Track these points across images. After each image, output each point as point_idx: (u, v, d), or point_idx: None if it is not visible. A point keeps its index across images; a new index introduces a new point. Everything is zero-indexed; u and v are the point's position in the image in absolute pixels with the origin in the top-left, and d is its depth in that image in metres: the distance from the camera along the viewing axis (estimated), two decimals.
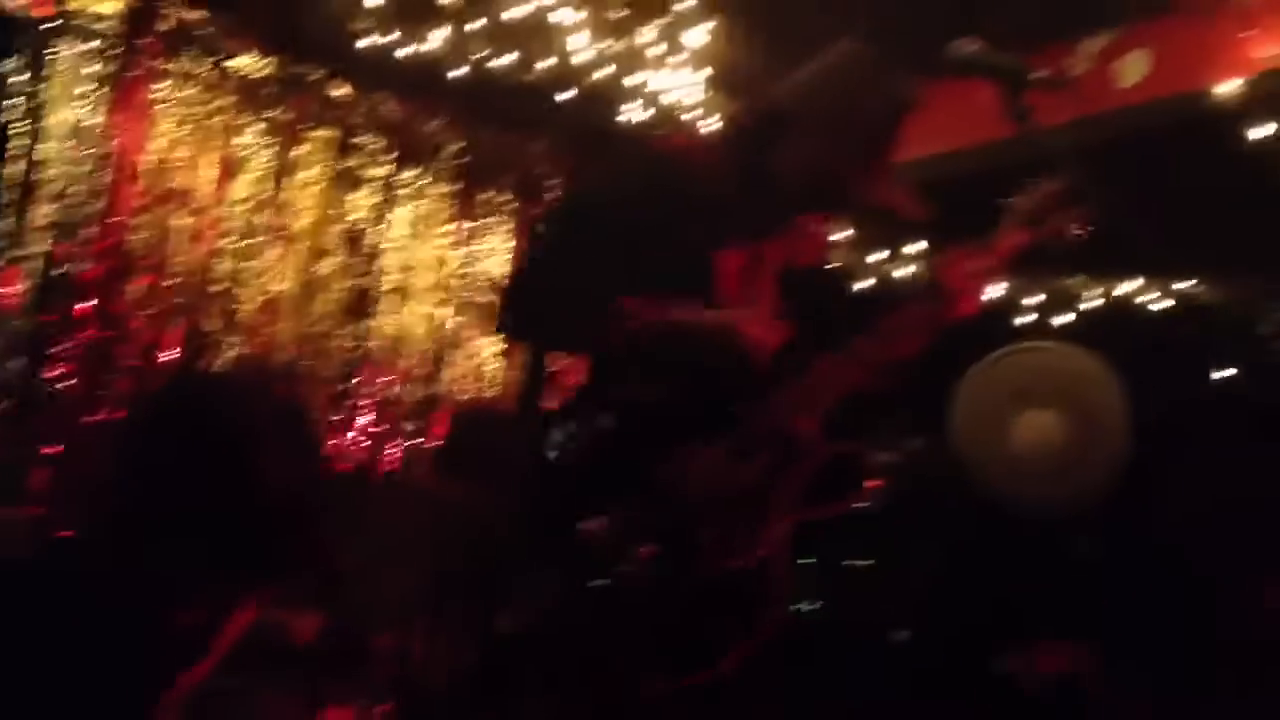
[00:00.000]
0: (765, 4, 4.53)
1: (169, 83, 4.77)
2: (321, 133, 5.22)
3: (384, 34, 4.79)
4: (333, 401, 5.23)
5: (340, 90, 5.20)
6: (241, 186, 4.98)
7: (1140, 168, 4.29)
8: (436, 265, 5.58)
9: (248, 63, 4.97)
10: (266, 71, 5.01)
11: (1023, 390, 4.84)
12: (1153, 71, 4.26)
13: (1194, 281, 5.42)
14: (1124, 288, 5.66)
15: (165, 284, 4.71)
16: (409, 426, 5.40)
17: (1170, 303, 5.57)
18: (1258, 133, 4.14)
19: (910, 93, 2.41)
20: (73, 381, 4.35)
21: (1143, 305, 5.69)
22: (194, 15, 4.79)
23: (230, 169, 4.94)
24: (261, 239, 5.03)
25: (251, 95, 5.01)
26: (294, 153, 5.13)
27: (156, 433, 2.23)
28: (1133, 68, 4.30)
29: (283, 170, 5.09)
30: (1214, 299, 5.46)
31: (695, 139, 2.46)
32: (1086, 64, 4.39)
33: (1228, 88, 4.06)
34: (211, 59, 4.89)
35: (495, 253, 5.78)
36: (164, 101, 4.76)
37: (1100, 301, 5.73)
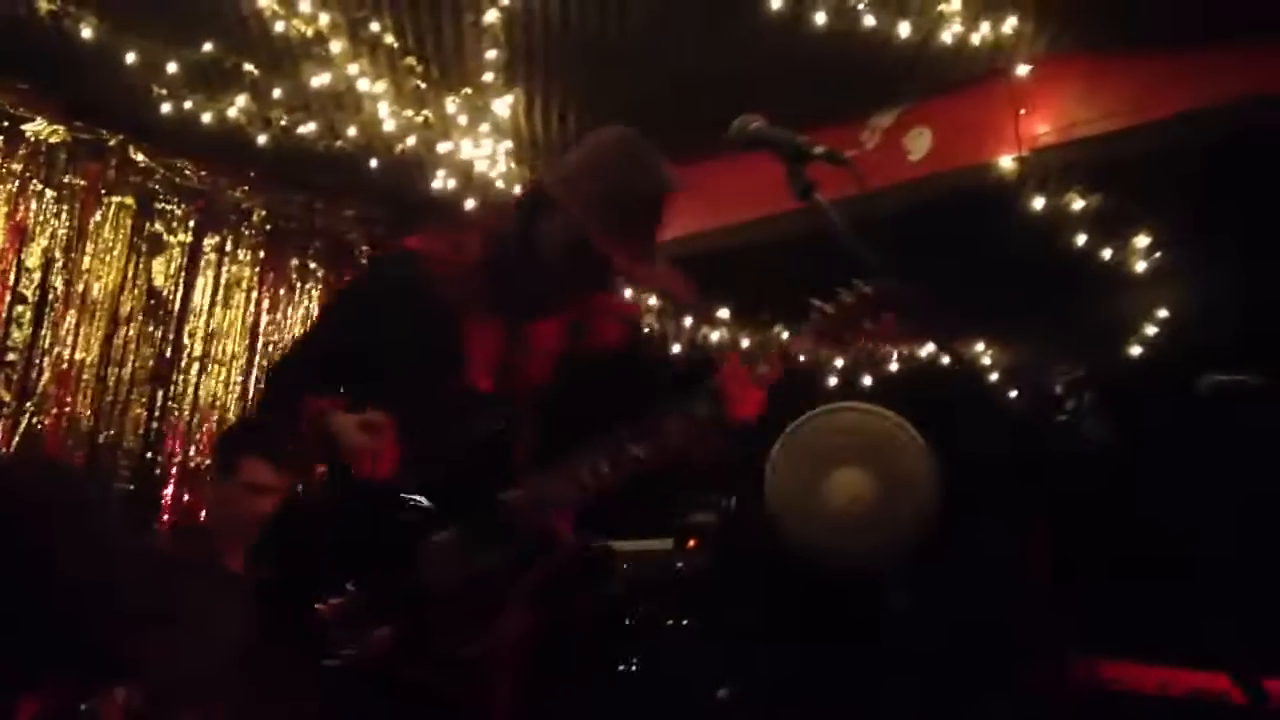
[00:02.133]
0: (564, 80, 4.60)
1: None
2: (119, 198, 5.10)
3: (184, 100, 4.73)
4: (136, 473, 5.09)
5: (139, 155, 5.10)
6: (34, 253, 4.84)
7: (931, 239, 4.46)
8: (242, 331, 5.48)
9: (40, 127, 4.85)
10: (60, 136, 4.89)
11: (831, 450, 4.97)
12: (936, 147, 4.45)
13: (983, 345, 5.64)
14: (924, 350, 5.86)
15: None
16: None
17: (962, 365, 5.76)
18: (1034, 204, 4.34)
19: (670, 177, 2.49)
20: None
21: (940, 367, 5.88)
22: None
23: (22, 235, 4.81)
24: (57, 306, 4.89)
25: (44, 160, 4.89)
26: (91, 218, 5.01)
27: None
28: (916, 143, 4.48)
29: (79, 236, 4.97)
30: (1004, 360, 5.70)
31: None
32: (873, 139, 4.56)
33: (1005, 162, 4.26)
34: (1, 124, 4.77)
35: (305, 319, 5.71)
36: None
37: (899, 364, 5.91)
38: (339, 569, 2.21)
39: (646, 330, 5.77)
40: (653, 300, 5.76)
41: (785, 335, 2.78)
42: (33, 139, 4.86)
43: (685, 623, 4.76)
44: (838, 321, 2.52)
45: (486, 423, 2.34)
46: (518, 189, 5.12)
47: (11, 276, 4.76)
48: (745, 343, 5.87)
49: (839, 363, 5.95)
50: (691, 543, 4.94)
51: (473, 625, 2.20)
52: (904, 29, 4.06)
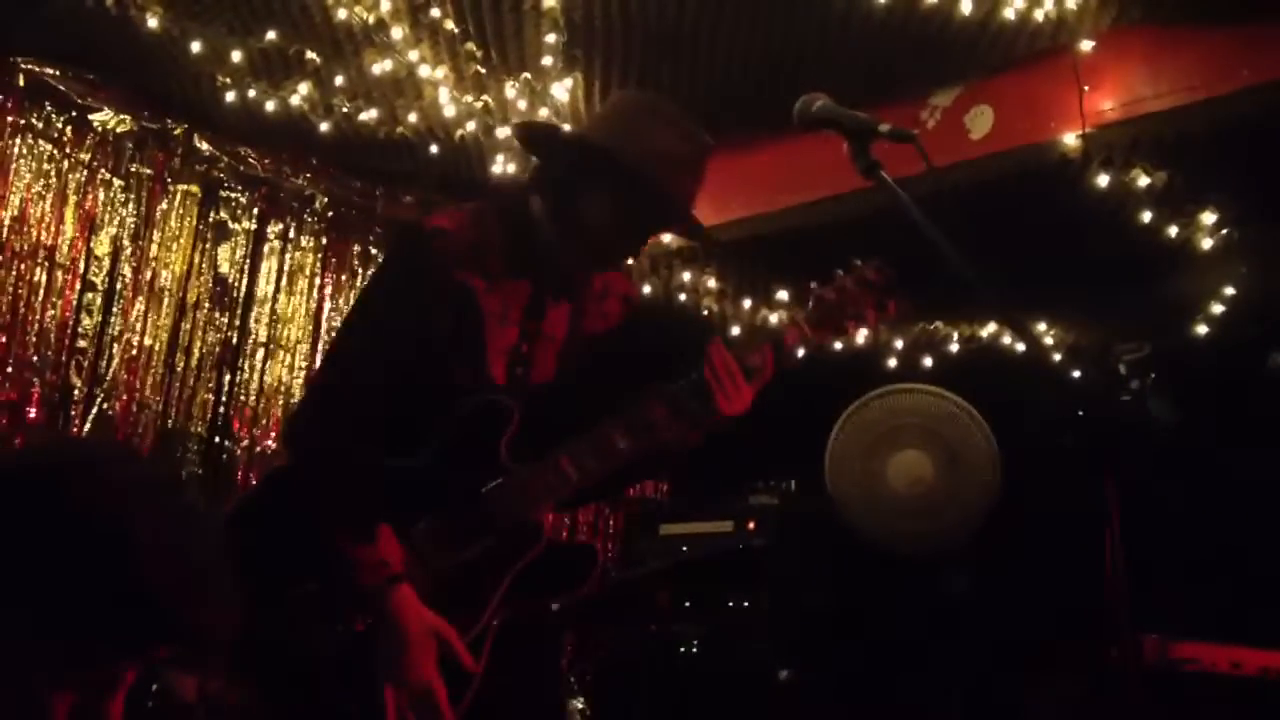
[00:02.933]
0: (623, 63, 4.60)
1: (26, 138, 4.72)
2: (185, 186, 5.17)
3: (248, 89, 4.79)
4: (205, 458, 5.17)
5: (204, 144, 5.16)
6: (103, 242, 4.92)
7: (993, 217, 4.43)
8: (307, 318, 5.54)
9: (107, 117, 4.92)
10: (126, 126, 4.96)
11: (892, 432, 4.96)
12: (998, 125, 4.41)
13: (1046, 325, 5.59)
14: (985, 330, 5.82)
15: (28, 341, 4.64)
16: None
17: (1026, 344, 5.73)
18: (1099, 181, 4.30)
19: (705, 137, 2.45)
20: None
21: (1005, 346, 5.84)
22: (51, 70, 4.74)
23: (91, 224, 4.88)
24: (126, 294, 4.97)
25: (112, 150, 4.96)
26: (158, 207, 5.08)
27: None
28: (978, 122, 4.44)
29: (146, 224, 5.04)
30: (1071, 341, 5.64)
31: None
32: (934, 119, 4.53)
33: (1069, 139, 4.21)
34: (69, 113, 4.84)
35: None
36: (21, 157, 4.70)
37: (960, 346, 5.87)
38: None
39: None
40: (711, 283, 5.76)
41: (775, 320, 2.71)
42: (100, 129, 4.93)
43: (746, 604, 4.77)
44: (836, 308, 2.45)
45: (483, 414, 2.31)
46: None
47: (81, 264, 4.84)
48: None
49: (899, 344, 5.93)
50: (751, 525, 4.95)
51: (454, 618, 2.18)
52: (965, 6, 4.01)
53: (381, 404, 2.27)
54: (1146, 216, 4.50)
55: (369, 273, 5.78)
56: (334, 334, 2.20)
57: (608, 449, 2.29)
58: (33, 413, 4.62)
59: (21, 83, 4.68)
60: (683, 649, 4.70)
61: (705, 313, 5.85)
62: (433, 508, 2.26)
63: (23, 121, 4.71)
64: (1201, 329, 5.11)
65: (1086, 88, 4.15)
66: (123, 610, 1.96)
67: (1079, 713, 3.82)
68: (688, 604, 4.83)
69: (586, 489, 2.35)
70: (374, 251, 5.80)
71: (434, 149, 5.10)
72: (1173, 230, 4.59)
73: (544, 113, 4.76)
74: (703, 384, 2.30)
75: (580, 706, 4.65)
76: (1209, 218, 4.57)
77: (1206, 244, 4.65)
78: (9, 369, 4.58)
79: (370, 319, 2.37)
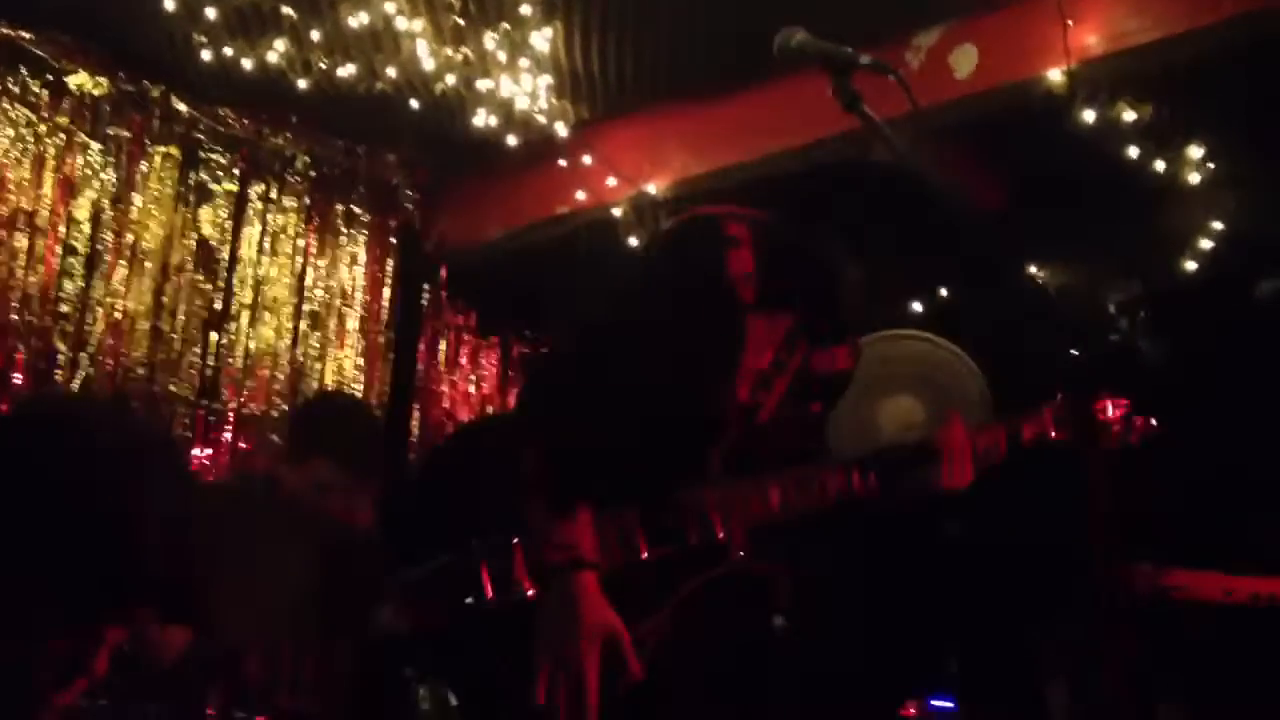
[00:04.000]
0: (604, 10, 4.56)
1: (1, 103, 4.67)
2: (164, 149, 5.12)
3: (224, 47, 4.74)
4: (194, 421, 5.15)
5: (182, 105, 5.12)
6: (83, 206, 4.88)
7: (978, 158, 4.41)
8: (292, 279, 5.51)
9: (84, 80, 4.87)
10: (103, 89, 4.91)
11: (883, 378, 4.94)
12: (982, 63, 4.37)
13: (1037, 266, 5.56)
14: (974, 274, 5.79)
15: (10, 308, 4.61)
16: (274, 439, 5.32)
17: (1018, 287, 5.72)
18: (1084, 117, 4.27)
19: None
20: None
21: (995, 290, 5.82)
22: (25, 34, 4.69)
23: (71, 188, 4.84)
24: (108, 258, 4.93)
25: (89, 113, 4.91)
26: (137, 170, 5.04)
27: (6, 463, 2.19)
28: (962, 61, 4.41)
29: (126, 188, 5.00)
30: (1060, 282, 5.62)
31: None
32: (919, 58, 4.49)
33: (1053, 75, 4.18)
34: (45, 77, 4.79)
35: (352, 265, 5.73)
36: None
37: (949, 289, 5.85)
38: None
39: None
40: None
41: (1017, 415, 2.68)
42: (77, 91, 4.87)
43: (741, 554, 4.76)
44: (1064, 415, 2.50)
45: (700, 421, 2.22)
46: (560, 126, 5.11)
47: (62, 229, 4.80)
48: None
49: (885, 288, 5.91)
50: None
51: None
52: None
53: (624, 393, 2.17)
54: (1133, 152, 4.48)
55: (352, 233, 5.75)
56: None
57: (815, 488, 2.24)
58: (18, 378, 4.59)
59: None
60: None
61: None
62: (629, 500, 2.16)
63: None
64: (1190, 265, 5.10)
65: (1070, 23, 4.12)
66: (108, 570, 1.95)
67: (1075, 647, 3.83)
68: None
69: (777, 519, 2.25)
70: (357, 211, 5.75)
71: (414, 104, 5.06)
72: (1160, 165, 4.57)
73: (524, 63, 4.72)
74: (932, 453, 2.32)
75: None
76: (1195, 151, 4.56)
77: (1194, 178, 4.63)
78: None
79: (645, 313, 2.25)
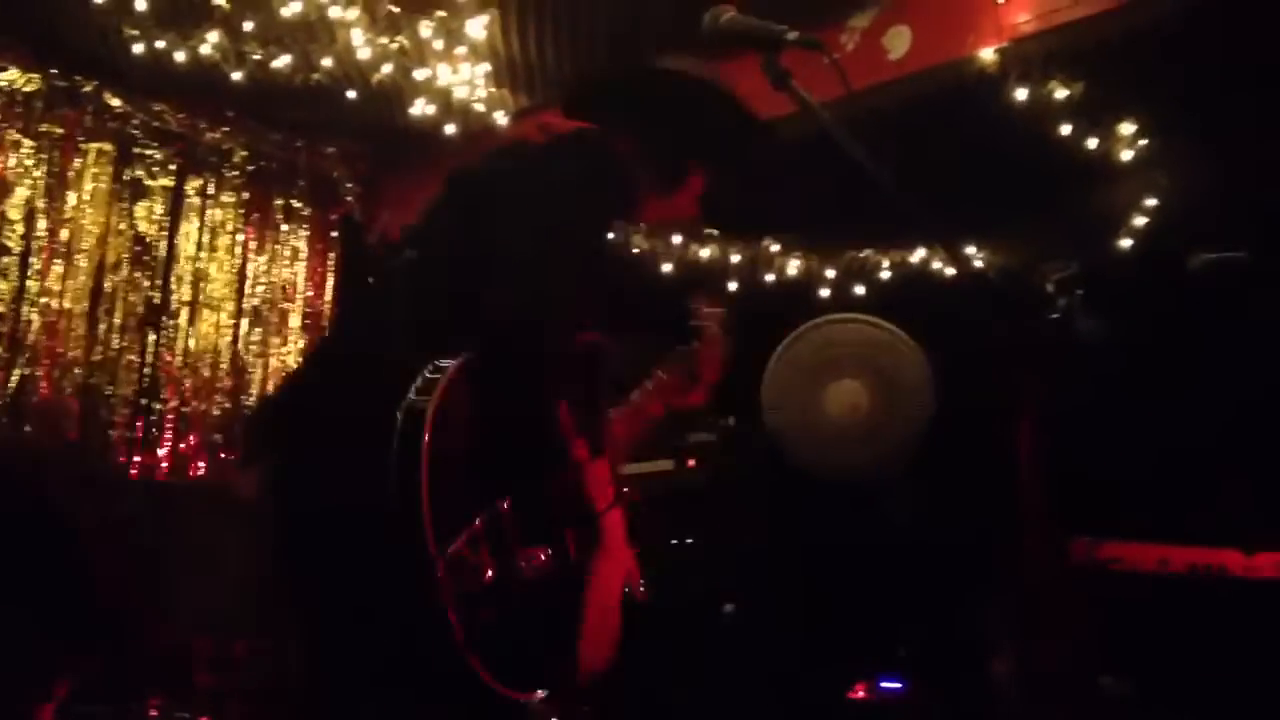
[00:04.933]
0: None
1: None
2: (98, 145, 5.06)
3: (156, 40, 4.68)
4: (133, 420, 5.10)
5: (115, 100, 5.06)
6: (16, 204, 4.81)
7: (914, 139, 4.42)
8: (231, 275, 5.46)
9: (14, 76, 4.80)
10: (35, 85, 4.85)
11: (827, 362, 4.98)
12: (916, 43, 4.39)
13: (975, 247, 5.61)
14: (914, 256, 5.85)
15: None
16: (216, 438, 5.28)
17: (956, 269, 5.75)
18: (1017, 95, 4.30)
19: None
20: None
21: (934, 271, 5.87)
22: None
23: (3, 186, 4.78)
24: (42, 256, 4.87)
25: (20, 109, 4.84)
26: (71, 166, 4.97)
27: None
28: (896, 42, 4.43)
29: (60, 184, 4.93)
30: (997, 261, 5.67)
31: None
32: (854, 39, 4.51)
33: (986, 54, 4.21)
34: None
35: (293, 260, 5.69)
36: None
37: (891, 272, 5.90)
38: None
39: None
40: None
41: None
42: (7, 88, 4.82)
43: (689, 542, 4.78)
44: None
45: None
46: (499, 115, 5.09)
47: None
48: (735, 258, 5.85)
49: (830, 273, 5.94)
50: (691, 462, 4.96)
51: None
52: None
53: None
54: (1066, 129, 4.52)
55: (293, 227, 5.71)
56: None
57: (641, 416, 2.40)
58: None
59: None
60: (626, 588, 4.70)
61: (635, 251, 5.83)
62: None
63: None
64: (1125, 242, 5.16)
65: (1002, 0, 4.15)
66: (61, 620, 1.96)
67: (1014, 621, 3.86)
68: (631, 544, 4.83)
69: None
70: (296, 205, 5.71)
71: (351, 94, 5.02)
72: (1092, 143, 4.61)
73: (461, 51, 4.70)
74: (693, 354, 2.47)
75: None
76: (1127, 128, 4.60)
77: (1126, 155, 4.68)
78: None
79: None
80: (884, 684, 4.60)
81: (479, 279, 2.01)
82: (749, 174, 2.63)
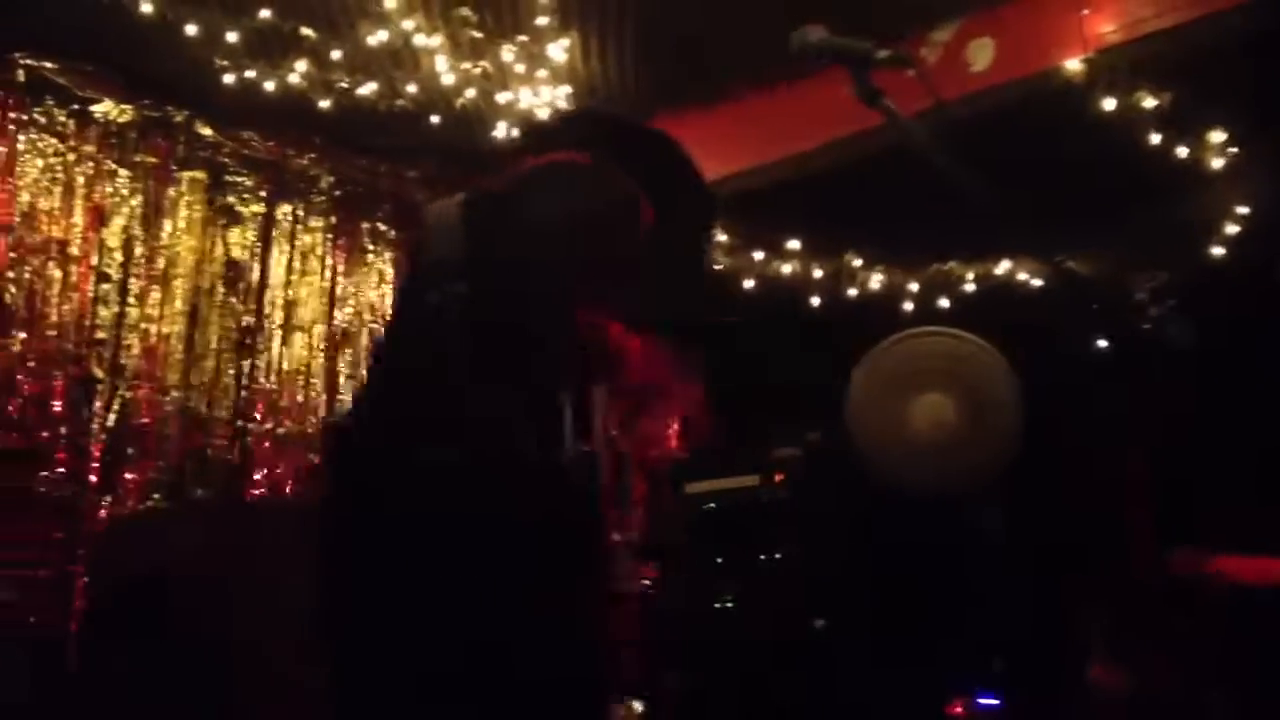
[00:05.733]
0: (619, 17, 4.59)
1: (30, 134, 4.73)
2: (191, 173, 5.18)
3: (246, 70, 4.79)
4: (230, 442, 5.20)
5: (206, 129, 5.17)
6: (114, 232, 4.94)
7: (999, 150, 4.40)
8: (321, 298, 5.56)
9: (109, 108, 4.93)
10: (128, 116, 4.97)
11: (912, 376, 4.95)
12: (999, 55, 4.38)
13: (1064, 257, 5.55)
14: (999, 268, 5.80)
15: (47, 336, 4.67)
16: (310, 458, 5.37)
17: (1044, 280, 5.71)
18: (1104, 105, 4.27)
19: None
20: None
21: (1020, 283, 5.83)
22: (50, 65, 4.75)
23: (101, 215, 4.90)
24: (140, 283, 4.99)
25: (116, 140, 4.97)
26: (165, 195, 5.09)
27: None
28: (979, 54, 4.41)
29: (155, 213, 5.05)
30: (1085, 272, 5.61)
31: None
32: (936, 53, 4.50)
33: (1071, 65, 4.18)
34: (71, 107, 4.85)
35: (379, 282, 5.78)
36: (27, 153, 4.71)
37: (975, 285, 5.86)
38: None
39: None
40: (721, 237, 5.76)
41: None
42: (102, 120, 4.94)
43: (777, 557, 4.78)
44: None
45: None
46: None
47: (94, 256, 4.86)
48: (818, 273, 5.85)
49: (914, 287, 5.91)
50: (777, 477, 4.95)
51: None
52: None
53: None
54: (1155, 139, 4.48)
55: (378, 249, 5.80)
56: None
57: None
58: (57, 405, 4.64)
59: (22, 78, 4.69)
60: (717, 604, 4.71)
61: (718, 267, 5.85)
62: None
63: (26, 117, 4.71)
64: (1218, 250, 5.08)
65: (1086, 11, 4.12)
66: None
67: (1115, 633, 3.82)
68: (719, 560, 4.84)
69: None
70: (383, 228, 5.81)
71: (435, 119, 5.09)
72: (1182, 151, 4.56)
73: (541, 74, 4.75)
74: None
75: None
76: (1217, 136, 4.55)
77: (1216, 163, 4.63)
78: (31, 364, 4.60)
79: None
80: (981, 700, 4.56)
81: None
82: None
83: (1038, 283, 5.84)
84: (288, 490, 5.27)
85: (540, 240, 2.13)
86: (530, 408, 2.04)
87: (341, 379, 5.58)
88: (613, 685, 2.07)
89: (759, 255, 5.87)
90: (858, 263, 5.94)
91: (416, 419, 2.06)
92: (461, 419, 2.02)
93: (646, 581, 2.10)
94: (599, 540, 2.05)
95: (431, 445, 2.01)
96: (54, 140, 4.80)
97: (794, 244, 5.75)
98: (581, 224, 2.17)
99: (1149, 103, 4.34)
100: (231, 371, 5.25)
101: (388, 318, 5.66)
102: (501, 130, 5.04)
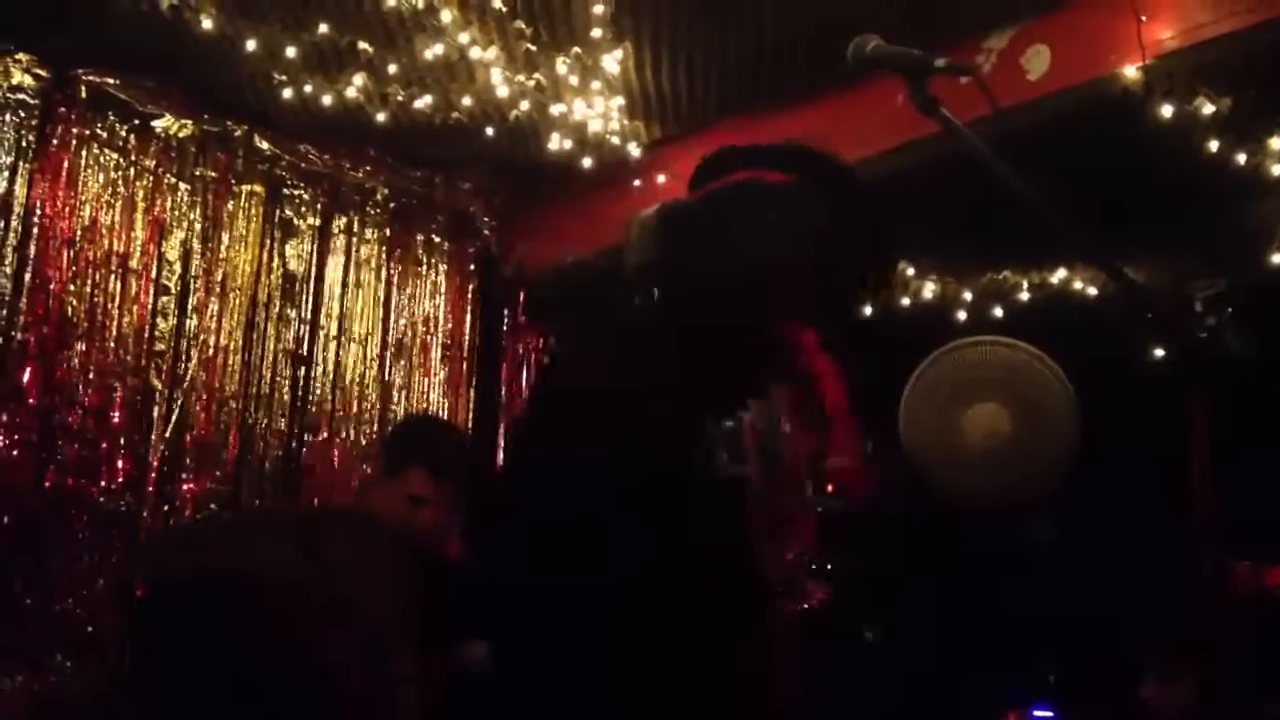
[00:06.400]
0: (673, 28, 4.60)
1: (92, 148, 4.80)
2: (249, 186, 5.24)
3: (304, 84, 4.84)
4: (287, 453, 5.24)
5: (264, 143, 5.23)
6: (173, 246, 5.00)
7: (1055, 158, 4.38)
8: (376, 309, 5.60)
9: (169, 122, 5.00)
10: (188, 130, 5.04)
11: (965, 385, 4.92)
12: (1055, 63, 4.35)
13: (1120, 265, 5.51)
14: (1055, 276, 5.77)
15: (107, 348, 4.73)
16: (365, 469, 5.41)
17: (1100, 288, 5.67)
18: (1162, 112, 4.24)
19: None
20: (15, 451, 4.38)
21: (1076, 292, 5.79)
22: (111, 80, 4.82)
23: (161, 229, 4.97)
24: (199, 295, 5.05)
25: (175, 154, 5.04)
26: (224, 208, 5.15)
27: None
28: (1035, 62, 4.39)
29: (214, 226, 5.12)
30: (1142, 280, 5.56)
31: None
32: (991, 60, 4.48)
33: (1129, 72, 4.15)
34: (132, 121, 4.92)
35: (434, 293, 5.82)
36: (89, 168, 4.78)
37: (1030, 294, 5.83)
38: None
39: None
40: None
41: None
42: (163, 134, 5.00)
43: (829, 567, 4.76)
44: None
45: None
46: (633, 147, 5.15)
47: (154, 269, 4.92)
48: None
49: (967, 296, 5.88)
50: (830, 488, 4.93)
51: None
52: None
53: None
54: (1214, 146, 4.44)
55: (433, 261, 5.84)
56: None
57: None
58: (116, 417, 4.71)
59: (84, 94, 4.75)
60: None
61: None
62: None
63: (87, 132, 4.78)
64: (1277, 258, 5.03)
65: (1144, 18, 4.08)
66: None
67: (1172, 646, 3.78)
68: None
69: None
70: (436, 240, 5.85)
71: (489, 131, 5.13)
72: (1241, 158, 4.52)
73: (596, 85, 4.78)
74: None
75: None
76: (1277, 143, 4.50)
77: (1276, 170, 4.58)
78: (91, 375, 4.66)
79: None
80: (1036, 712, 4.53)
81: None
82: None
83: (1093, 291, 5.80)
84: (343, 501, 5.31)
85: (744, 251, 2.21)
86: (718, 416, 2.10)
87: (395, 390, 5.62)
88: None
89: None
90: (910, 271, 5.92)
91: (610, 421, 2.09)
92: (665, 424, 2.06)
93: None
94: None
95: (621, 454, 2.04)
96: (115, 155, 4.87)
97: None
98: (788, 238, 2.23)
99: (1208, 109, 4.31)
100: (287, 383, 5.30)
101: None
102: (555, 141, 5.07)
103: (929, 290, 5.93)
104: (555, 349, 5.82)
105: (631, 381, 2.11)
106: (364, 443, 5.42)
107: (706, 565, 2.08)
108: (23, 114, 4.59)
